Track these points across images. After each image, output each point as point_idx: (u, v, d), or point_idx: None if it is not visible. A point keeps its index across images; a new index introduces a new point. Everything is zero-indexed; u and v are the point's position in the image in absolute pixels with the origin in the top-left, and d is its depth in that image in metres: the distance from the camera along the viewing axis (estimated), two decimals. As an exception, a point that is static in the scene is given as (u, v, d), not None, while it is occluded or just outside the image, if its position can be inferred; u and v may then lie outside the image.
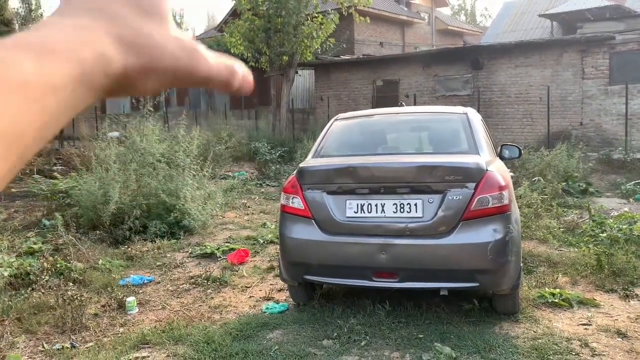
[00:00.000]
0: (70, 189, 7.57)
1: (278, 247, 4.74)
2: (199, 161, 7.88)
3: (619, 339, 3.72)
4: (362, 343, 3.76)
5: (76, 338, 4.02)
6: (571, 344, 3.65)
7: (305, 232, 4.07)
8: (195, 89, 24.48)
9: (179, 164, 7.52)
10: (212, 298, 4.82)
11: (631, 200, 9.14)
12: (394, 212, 3.90)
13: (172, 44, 0.36)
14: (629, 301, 4.44)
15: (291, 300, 4.60)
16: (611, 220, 6.23)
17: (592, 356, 3.48)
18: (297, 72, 19.25)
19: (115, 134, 8.95)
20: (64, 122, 0.32)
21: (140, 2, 0.36)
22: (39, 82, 0.30)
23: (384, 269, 3.88)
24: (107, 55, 0.33)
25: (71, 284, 4.91)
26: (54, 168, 11.14)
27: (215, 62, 0.39)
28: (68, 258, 5.51)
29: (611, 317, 4.12)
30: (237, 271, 5.55)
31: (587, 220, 6.85)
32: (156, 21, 0.36)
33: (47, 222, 7.27)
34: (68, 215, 6.80)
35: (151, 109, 8.35)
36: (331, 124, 4.95)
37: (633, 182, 10.39)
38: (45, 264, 5.09)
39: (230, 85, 0.41)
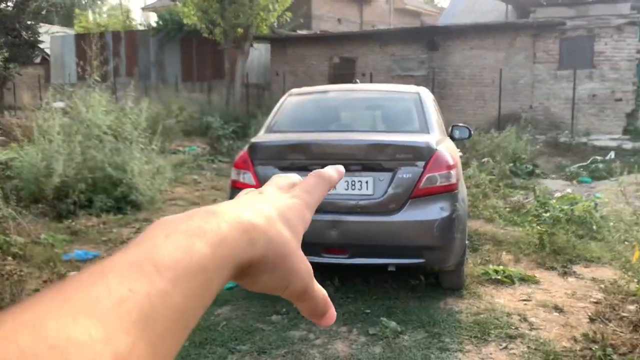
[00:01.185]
0: (11, 160, 7.23)
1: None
2: (147, 134, 7.66)
3: (556, 314, 3.89)
4: (310, 318, 3.78)
5: (14, 315, 3.87)
6: (511, 318, 3.78)
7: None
8: (144, 59, 23.72)
9: (126, 136, 7.28)
10: (159, 274, 4.73)
11: (574, 182, 9.50)
12: (345, 189, 3.90)
13: (299, 253, 0.41)
14: (567, 278, 4.63)
15: (240, 276, 4.57)
16: (554, 201, 6.46)
17: (530, 330, 3.62)
18: (252, 46, 18.91)
19: (60, 104, 8.56)
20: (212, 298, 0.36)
21: (287, 218, 0.41)
22: (212, 267, 0.34)
23: (334, 245, 3.90)
24: (255, 241, 0.37)
25: (10, 258, 4.72)
26: (-6, 138, 10.61)
27: (319, 286, 0.44)
28: (7, 232, 5.28)
29: (550, 293, 4.30)
30: (186, 247, 5.46)
31: (532, 200, 7.08)
32: (293, 234, 0.41)
33: (-15, 195, 6.93)
34: (8, 188, 6.49)
35: (98, 79, 8.02)
36: (285, 99, 4.88)
37: (577, 164, 10.81)
38: (-19, 238, 4.86)
39: (322, 311, 0.45)
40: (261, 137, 4.35)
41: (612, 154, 11.69)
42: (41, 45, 21.80)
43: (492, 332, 3.57)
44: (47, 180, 6.44)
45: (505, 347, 3.38)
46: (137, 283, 0.30)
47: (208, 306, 0.35)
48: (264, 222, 0.39)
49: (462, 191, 4.07)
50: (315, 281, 0.43)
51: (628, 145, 13.08)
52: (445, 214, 3.76)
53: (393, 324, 3.58)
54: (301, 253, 0.42)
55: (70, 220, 6.14)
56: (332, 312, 0.46)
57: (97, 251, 5.30)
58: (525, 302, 4.09)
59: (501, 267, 4.68)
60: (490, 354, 3.31)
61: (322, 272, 4.48)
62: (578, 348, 3.35)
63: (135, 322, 0.28)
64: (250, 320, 3.78)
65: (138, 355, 0.28)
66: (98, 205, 6.53)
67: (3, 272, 4.21)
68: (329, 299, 0.45)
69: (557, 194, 7.52)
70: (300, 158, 3.98)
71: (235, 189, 4.16)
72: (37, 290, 4.28)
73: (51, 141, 6.79)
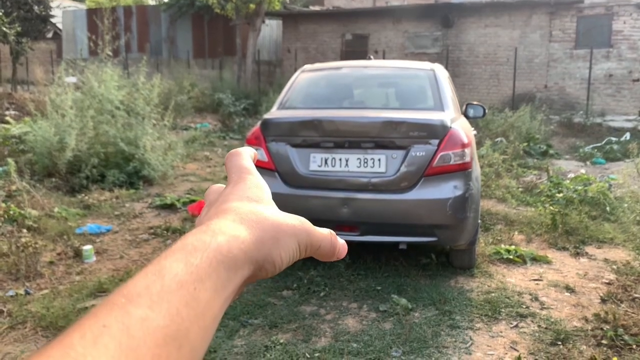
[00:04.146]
0: (24, 134, 7.27)
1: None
2: (159, 110, 7.65)
3: (567, 294, 3.88)
4: (321, 294, 3.81)
5: (30, 285, 3.93)
6: (522, 297, 3.78)
7: (267, 185, 4.03)
8: (156, 34, 23.62)
9: (138, 112, 7.29)
10: (171, 248, 4.77)
11: (588, 163, 9.40)
12: (357, 166, 3.88)
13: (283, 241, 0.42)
14: (579, 259, 4.61)
15: (252, 252, 4.59)
16: (568, 182, 6.40)
17: (541, 309, 3.61)
18: (264, 22, 18.74)
19: (72, 79, 8.55)
20: (221, 308, 0.36)
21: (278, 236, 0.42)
22: (190, 280, 0.34)
23: (346, 222, 3.90)
24: (241, 237, 0.39)
25: (25, 230, 4.77)
26: (7, 112, 10.67)
27: (320, 235, 0.45)
28: (22, 205, 5.34)
29: (561, 273, 4.28)
30: (198, 222, 5.50)
31: (545, 181, 7.02)
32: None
33: (-1, 168, 6.99)
34: (22, 162, 6.55)
35: (110, 54, 8.00)
36: (297, 76, 4.84)
37: (591, 145, 10.68)
38: (-4, 211, 4.92)
39: (331, 255, 0.47)
40: (274, 113, 4.33)
41: (627, 135, 11.52)
42: (53, 20, 21.75)
43: (503, 310, 3.57)
44: (60, 154, 6.48)
45: (516, 326, 3.39)
46: (109, 318, 0.31)
47: (211, 322, 0.35)
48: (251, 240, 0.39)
49: (476, 170, 4.03)
50: (314, 234, 0.44)
51: (644, 126, 12.87)
52: (458, 192, 3.74)
53: (404, 301, 3.59)
54: (284, 242, 0.42)
55: (83, 195, 6.19)
56: (342, 249, 0.47)
57: (109, 225, 5.35)
58: (536, 282, 4.08)
59: (513, 246, 4.66)
60: (501, 332, 3.32)
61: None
62: (589, 328, 3.35)
63: (113, 355, 0.30)
64: (262, 294, 3.80)
65: None
66: (110, 179, 6.57)
67: (18, 244, 4.26)
68: (335, 238, 0.46)
69: (571, 175, 7.45)
70: (312, 135, 3.96)
71: (248, 164, 4.15)
72: (51, 262, 4.34)
73: (64, 116, 6.81)
